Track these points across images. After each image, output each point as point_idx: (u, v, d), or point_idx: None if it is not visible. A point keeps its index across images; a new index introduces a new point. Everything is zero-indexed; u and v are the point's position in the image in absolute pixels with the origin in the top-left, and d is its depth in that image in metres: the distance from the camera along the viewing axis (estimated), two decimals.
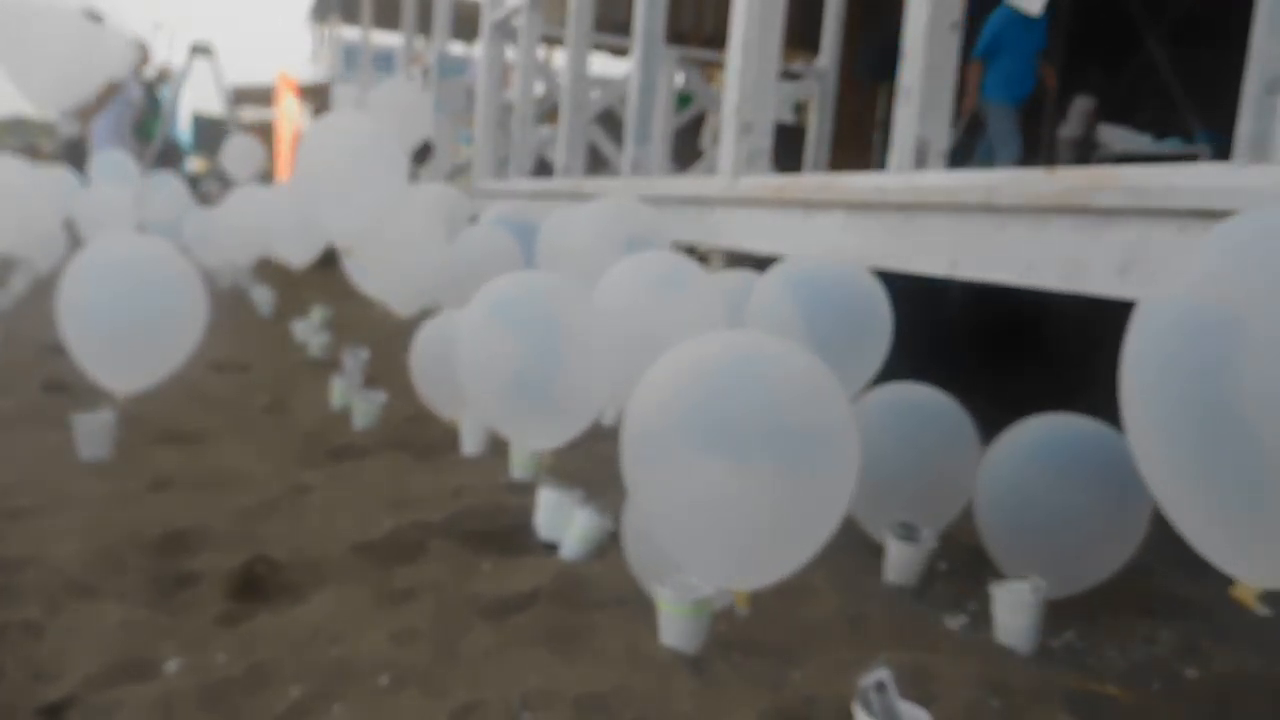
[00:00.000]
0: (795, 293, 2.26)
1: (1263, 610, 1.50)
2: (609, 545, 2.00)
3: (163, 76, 10.14)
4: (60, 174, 5.45)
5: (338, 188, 3.12)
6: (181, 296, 2.58)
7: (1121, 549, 1.78)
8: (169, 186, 6.04)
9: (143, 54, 8.04)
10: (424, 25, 9.76)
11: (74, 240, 5.19)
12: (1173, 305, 1.24)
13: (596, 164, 6.54)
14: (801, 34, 6.00)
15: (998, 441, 1.93)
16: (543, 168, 6.80)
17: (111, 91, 7.68)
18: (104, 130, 7.74)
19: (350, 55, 13.33)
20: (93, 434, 2.56)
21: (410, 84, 6.79)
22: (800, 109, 6.70)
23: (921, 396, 2.09)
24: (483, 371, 2.11)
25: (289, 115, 13.45)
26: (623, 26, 5.94)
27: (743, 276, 2.71)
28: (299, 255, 4.65)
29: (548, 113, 6.98)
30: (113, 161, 6.00)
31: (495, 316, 2.09)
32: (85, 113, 7.72)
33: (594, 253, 2.73)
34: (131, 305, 2.48)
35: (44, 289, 5.06)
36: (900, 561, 1.97)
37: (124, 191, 5.47)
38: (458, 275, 3.38)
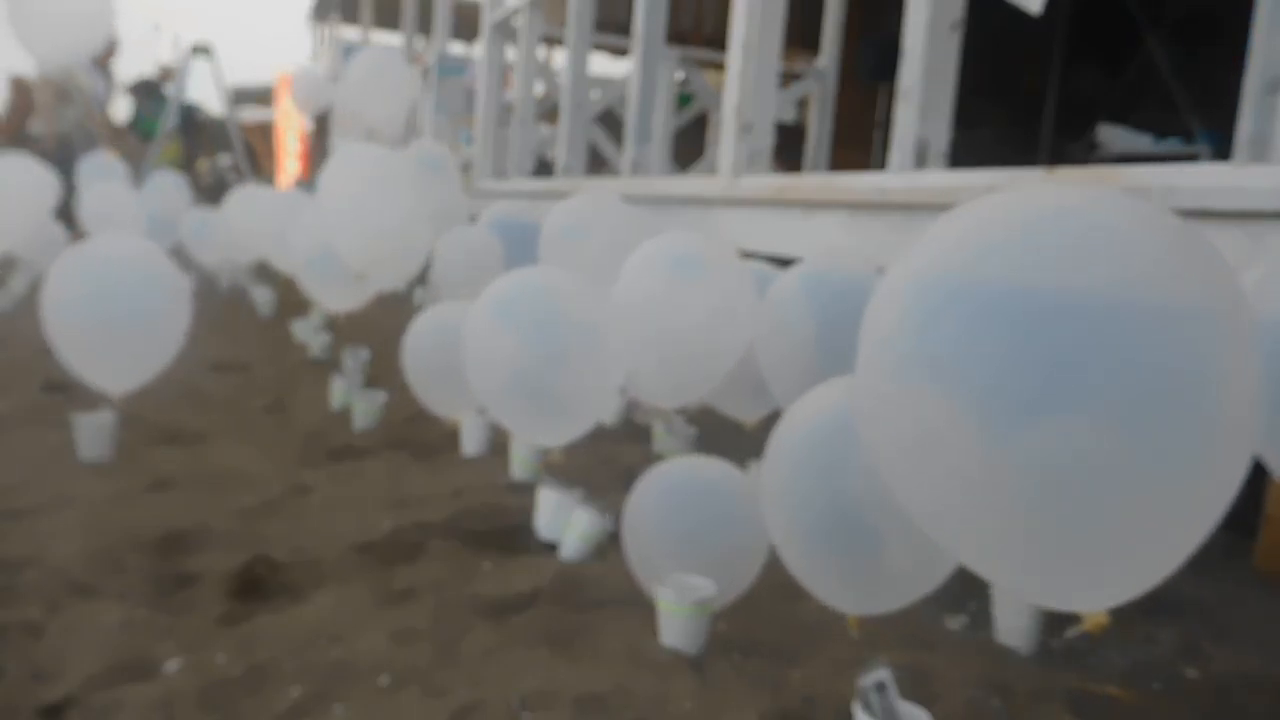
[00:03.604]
0: (811, 294, 2.25)
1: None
2: (609, 545, 2.00)
3: (165, 76, 10.14)
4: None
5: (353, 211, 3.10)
6: (162, 294, 2.58)
7: None
8: (170, 185, 6.03)
9: (110, 46, 7.92)
10: (424, 25, 9.76)
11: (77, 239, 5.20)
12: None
13: (596, 164, 6.53)
14: (801, 34, 6.00)
15: None
16: (543, 168, 6.79)
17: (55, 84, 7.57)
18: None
19: (350, 55, 13.32)
20: (93, 434, 2.57)
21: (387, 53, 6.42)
22: (801, 107, 6.69)
23: None
24: (489, 371, 2.11)
25: (289, 115, 13.44)
26: (623, 26, 5.94)
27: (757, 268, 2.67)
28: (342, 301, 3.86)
29: (548, 113, 6.97)
30: (98, 162, 6.02)
31: (500, 314, 2.08)
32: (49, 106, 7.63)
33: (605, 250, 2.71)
34: (111, 304, 2.48)
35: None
36: None
37: (128, 189, 5.46)
38: (442, 275, 3.38)
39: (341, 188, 3.16)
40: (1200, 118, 5.52)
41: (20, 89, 8.43)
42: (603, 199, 3.05)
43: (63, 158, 7.12)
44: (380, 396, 3.05)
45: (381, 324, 4.03)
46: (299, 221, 3.74)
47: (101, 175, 5.73)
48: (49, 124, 7.81)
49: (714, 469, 1.78)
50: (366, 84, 5.24)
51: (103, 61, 7.90)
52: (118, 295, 2.49)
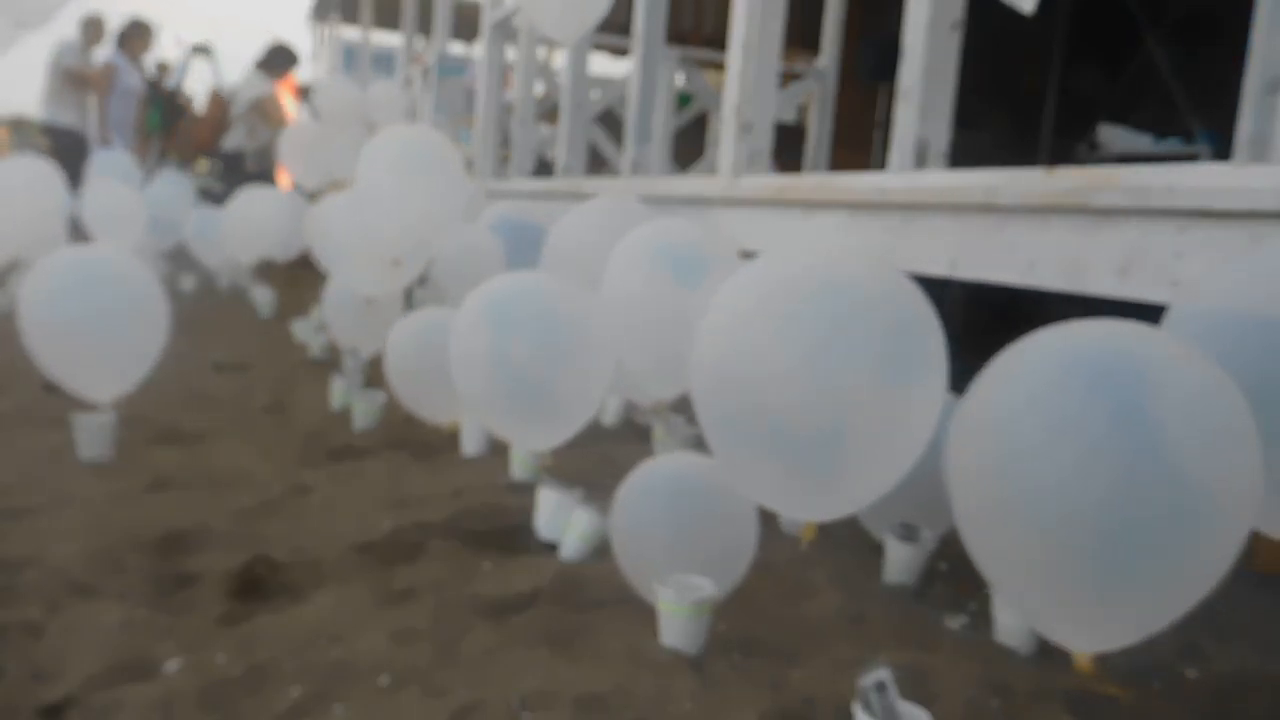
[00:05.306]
0: None
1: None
2: (609, 545, 2.00)
3: (163, 72, 10.11)
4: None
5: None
6: (134, 296, 2.58)
7: None
8: (173, 184, 6.03)
9: (146, 39, 7.81)
10: (424, 25, 9.75)
11: (79, 239, 5.20)
12: None
13: (596, 164, 6.53)
14: (801, 34, 6.00)
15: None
16: (543, 168, 6.79)
17: (107, 78, 7.44)
18: (118, 128, 7.51)
19: (350, 55, 13.32)
20: (93, 434, 2.57)
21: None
22: (801, 108, 6.68)
23: None
24: (475, 373, 2.11)
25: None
26: (623, 26, 5.94)
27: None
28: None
29: (548, 113, 6.97)
30: (112, 159, 5.99)
31: (488, 317, 2.08)
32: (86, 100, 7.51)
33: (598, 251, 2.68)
34: (85, 312, 2.49)
35: None
36: (900, 561, 1.97)
37: (130, 189, 5.45)
38: (440, 273, 3.37)
39: (379, 171, 3.11)
40: (1200, 118, 5.52)
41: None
42: (622, 204, 2.99)
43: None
44: (380, 396, 3.05)
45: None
46: (335, 205, 3.68)
47: (114, 173, 5.70)
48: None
49: (702, 465, 1.78)
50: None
51: (136, 55, 7.82)
52: (88, 303, 2.50)
